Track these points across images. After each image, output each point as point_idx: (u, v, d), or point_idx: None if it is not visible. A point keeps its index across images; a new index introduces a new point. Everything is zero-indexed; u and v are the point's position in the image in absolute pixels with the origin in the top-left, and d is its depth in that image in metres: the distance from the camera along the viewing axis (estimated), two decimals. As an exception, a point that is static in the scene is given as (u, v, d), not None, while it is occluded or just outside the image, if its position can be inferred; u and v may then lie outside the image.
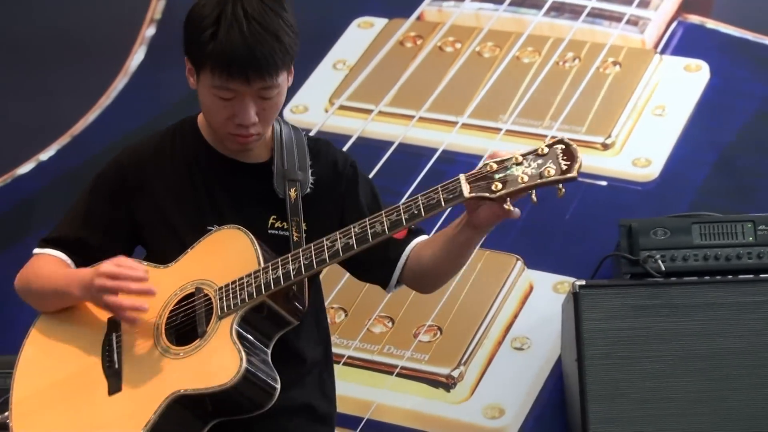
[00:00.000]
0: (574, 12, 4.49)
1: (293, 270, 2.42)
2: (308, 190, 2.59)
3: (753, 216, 3.78)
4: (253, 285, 2.43)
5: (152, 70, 4.50)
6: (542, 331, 4.06)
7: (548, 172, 2.27)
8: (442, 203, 2.32)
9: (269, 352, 2.46)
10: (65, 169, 4.36)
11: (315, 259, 2.41)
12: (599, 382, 3.52)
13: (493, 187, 2.29)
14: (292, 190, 2.57)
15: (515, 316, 4.12)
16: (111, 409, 2.47)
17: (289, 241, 2.54)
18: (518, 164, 2.30)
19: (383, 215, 2.37)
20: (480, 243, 2.51)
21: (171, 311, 2.50)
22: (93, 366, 2.52)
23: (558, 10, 4.51)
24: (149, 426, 2.39)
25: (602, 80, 4.38)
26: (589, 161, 4.22)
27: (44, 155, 4.48)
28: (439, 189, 2.33)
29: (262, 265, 2.44)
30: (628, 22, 4.48)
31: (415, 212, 2.34)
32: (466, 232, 2.45)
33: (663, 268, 3.67)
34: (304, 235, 2.54)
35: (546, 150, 2.30)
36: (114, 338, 2.53)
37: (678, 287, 3.59)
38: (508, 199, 2.30)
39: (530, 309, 4.12)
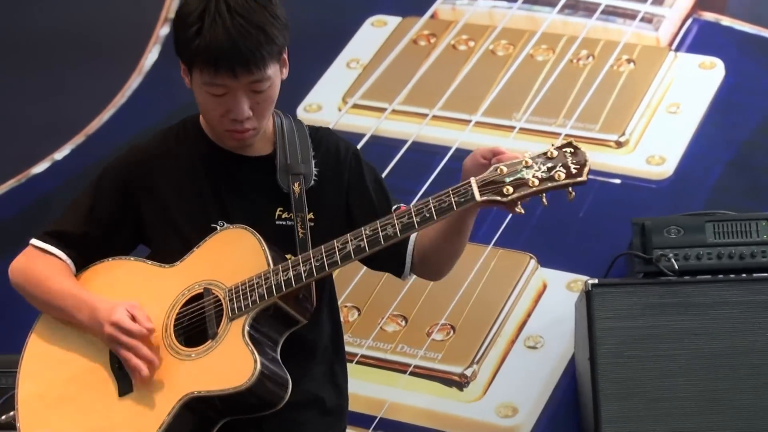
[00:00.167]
0: (588, 9, 4.48)
1: (304, 272, 2.42)
2: (312, 182, 2.60)
3: (767, 214, 3.77)
4: (264, 286, 2.43)
5: (166, 68, 4.50)
6: (556, 329, 4.06)
7: (558, 176, 2.30)
8: (454, 207, 2.34)
9: (278, 350, 2.47)
10: (80, 169, 4.37)
11: (326, 261, 2.41)
12: (612, 381, 3.51)
13: (504, 191, 2.31)
14: (296, 185, 2.57)
15: (528, 315, 4.12)
16: (122, 410, 2.48)
17: (295, 232, 2.54)
18: (528, 167, 2.32)
19: (394, 218, 2.38)
20: (471, 227, 2.54)
21: (179, 312, 2.51)
22: (101, 367, 2.52)
23: (572, 7, 4.50)
24: (163, 428, 2.40)
25: (616, 78, 4.37)
26: (603, 159, 4.23)
27: (59, 154, 4.50)
28: (451, 192, 2.35)
29: (272, 266, 2.45)
30: (642, 19, 4.46)
31: (427, 215, 2.35)
32: (462, 213, 2.45)
33: (676, 267, 3.66)
34: (310, 230, 2.55)
35: (555, 153, 2.33)
36: None
37: (691, 286, 3.58)
38: (519, 201, 2.33)
39: (543, 308, 4.11)
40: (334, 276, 2.67)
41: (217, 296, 2.48)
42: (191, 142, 2.64)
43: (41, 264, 2.61)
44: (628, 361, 3.52)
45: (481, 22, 4.52)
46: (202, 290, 2.50)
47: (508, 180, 2.32)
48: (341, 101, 4.46)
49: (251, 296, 2.43)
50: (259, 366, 2.37)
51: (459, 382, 4.06)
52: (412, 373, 4.09)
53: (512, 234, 4.16)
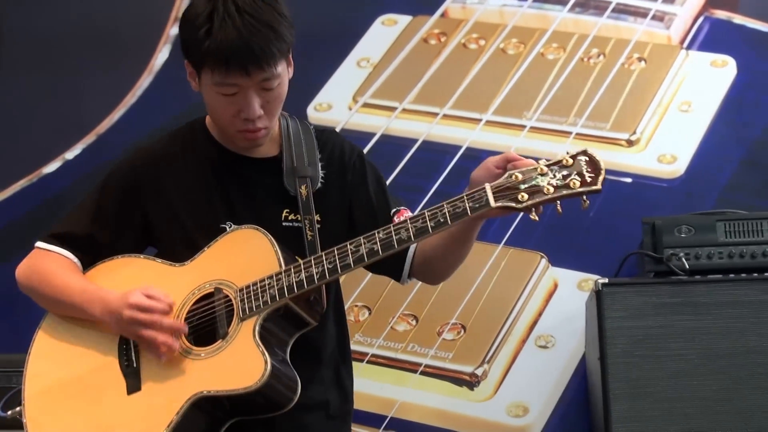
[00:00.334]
0: (599, 8, 4.47)
1: (317, 274, 2.42)
2: (319, 185, 2.60)
3: (779, 213, 3.77)
4: (276, 287, 2.43)
5: (177, 68, 4.43)
6: (567, 329, 4.05)
7: (573, 183, 2.31)
8: (468, 212, 2.34)
9: (288, 351, 2.47)
10: (91, 168, 4.38)
11: (339, 263, 2.41)
12: (622, 381, 3.50)
13: (519, 197, 2.32)
14: (303, 187, 2.57)
15: (539, 314, 4.11)
16: (131, 408, 2.47)
17: (302, 233, 2.54)
18: (543, 175, 2.33)
19: (408, 222, 2.38)
20: (476, 235, 2.53)
21: (189, 311, 2.50)
22: (109, 364, 2.52)
23: (583, 5, 4.49)
24: (172, 426, 2.40)
25: (627, 76, 4.36)
26: (614, 158, 4.22)
27: (70, 154, 4.51)
28: (465, 198, 2.35)
29: (283, 267, 2.44)
30: (653, 17, 4.45)
31: (441, 220, 2.35)
32: (469, 222, 2.45)
33: (687, 266, 3.65)
34: (318, 232, 2.55)
35: (570, 161, 2.33)
36: None
37: (702, 285, 3.57)
38: (533, 209, 2.33)
39: (555, 307, 4.11)
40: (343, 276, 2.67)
41: (227, 296, 2.47)
42: (198, 145, 2.64)
43: (48, 262, 2.61)
44: (639, 360, 3.51)
45: (492, 20, 4.51)
46: (212, 290, 2.50)
47: (523, 187, 2.32)
48: (351, 100, 4.46)
49: (263, 297, 2.43)
50: (269, 367, 2.36)
51: (470, 382, 4.06)
52: (422, 373, 4.09)
53: (523, 233, 4.16)
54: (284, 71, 2.50)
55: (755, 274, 3.64)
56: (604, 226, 4.14)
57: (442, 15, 4.55)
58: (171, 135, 2.68)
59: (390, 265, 2.62)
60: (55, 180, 4.48)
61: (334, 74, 4.48)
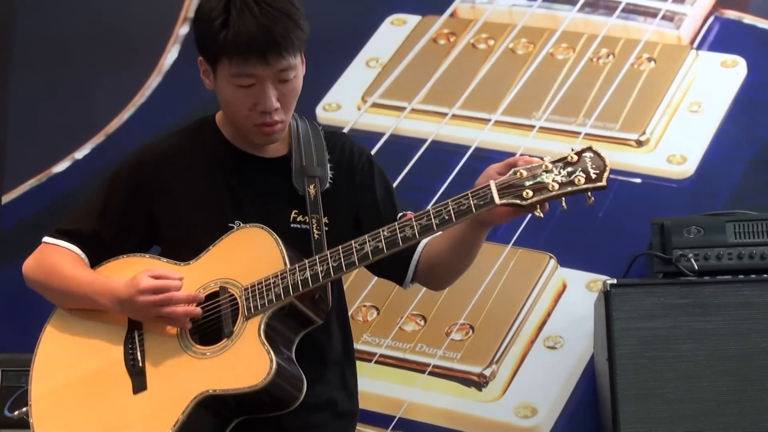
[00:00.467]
0: (609, 8, 4.46)
1: (321, 272, 2.42)
2: (327, 185, 2.60)
3: (789, 214, 3.76)
4: (281, 286, 2.43)
5: (186, 68, 4.51)
6: (575, 329, 4.04)
7: (578, 180, 2.30)
8: (473, 209, 2.33)
9: (293, 350, 2.47)
10: (100, 168, 4.36)
11: (344, 261, 2.41)
12: (630, 382, 3.49)
13: (524, 194, 2.31)
14: (311, 187, 2.57)
15: (548, 315, 4.10)
16: (136, 408, 2.47)
17: (309, 235, 2.54)
18: (548, 171, 2.32)
19: (413, 219, 2.37)
20: (482, 242, 2.52)
21: None
22: (115, 364, 2.52)
23: (592, 6, 4.48)
24: (177, 426, 2.40)
25: (637, 76, 4.35)
26: (623, 158, 4.21)
27: (79, 154, 4.52)
28: (470, 195, 2.34)
29: (288, 265, 2.44)
30: (663, 17, 4.44)
31: (446, 217, 2.35)
32: (475, 229, 2.46)
33: (696, 267, 3.64)
34: (325, 232, 2.55)
35: (575, 158, 2.33)
36: (136, 336, 2.53)
37: (711, 286, 3.55)
38: (538, 205, 2.33)
39: (563, 307, 4.10)
40: (352, 275, 2.67)
41: (232, 295, 2.47)
42: (207, 142, 2.63)
43: (55, 256, 2.60)
44: (647, 361, 3.50)
45: (501, 20, 4.51)
46: (217, 288, 2.49)
47: (527, 183, 2.32)
48: (360, 100, 4.46)
49: (267, 295, 2.43)
50: (275, 365, 2.36)
51: (478, 382, 4.05)
52: (430, 373, 4.08)
53: (532, 234, 4.15)
54: (299, 65, 2.50)
55: (765, 275, 3.62)
56: (613, 226, 4.13)
57: (452, 15, 4.54)
58: (179, 132, 2.68)
59: (393, 269, 2.62)
60: (65, 180, 4.49)
61: (343, 74, 4.49)
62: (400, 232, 2.38)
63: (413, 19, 4.56)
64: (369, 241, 2.40)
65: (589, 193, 2.31)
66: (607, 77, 4.35)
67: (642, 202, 4.15)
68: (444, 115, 4.39)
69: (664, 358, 3.49)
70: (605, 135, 4.24)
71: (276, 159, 2.62)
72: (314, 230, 2.54)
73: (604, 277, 3.83)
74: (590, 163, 2.31)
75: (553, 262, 4.15)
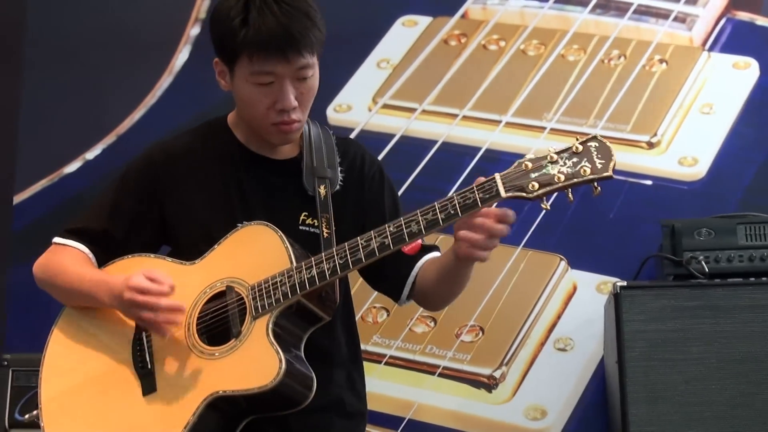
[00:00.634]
0: (620, 9, 4.45)
1: (328, 270, 2.41)
2: (338, 187, 2.60)
3: (800, 216, 3.74)
4: (287, 284, 2.42)
5: (197, 69, 4.52)
6: (586, 331, 4.03)
7: (584, 171, 2.28)
8: (479, 203, 2.32)
9: (302, 348, 2.47)
10: (111, 168, 4.34)
11: (350, 258, 2.40)
12: (640, 384, 3.48)
13: (529, 187, 2.29)
14: (322, 187, 2.57)
15: (558, 317, 4.09)
16: (146, 410, 2.47)
17: (318, 238, 2.54)
18: (553, 163, 2.30)
19: (419, 215, 2.36)
20: (469, 274, 2.50)
21: (201, 310, 2.50)
22: (124, 365, 2.52)
23: (604, 7, 4.47)
24: (189, 427, 2.40)
25: (648, 78, 4.34)
26: (634, 160, 4.20)
27: (90, 154, 4.53)
28: (475, 189, 2.33)
29: (294, 263, 2.44)
30: (675, 19, 4.43)
31: (452, 212, 2.34)
32: (453, 261, 2.45)
33: (706, 270, 3.63)
34: (335, 233, 2.54)
35: (580, 148, 2.30)
36: (144, 337, 2.52)
37: (721, 289, 3.54)
38: (545, 198, 2.30)
39: (574, 309, 4.09)
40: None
41: (239, 294, 2.47)
42: (218, 143, 2.63)
43: (62, 256, 2.61)
44: (657, 364, 3.49)
45: (512, 21, 4.50)
46: (224, 288, 2.49)
47: (533, 176, 2.30)
48: (371, 101, 4.45)
49: (275, 294, 2.43)
50: (284, 365, 2.36)
51: (488, 384, 4.05)
52: (440, 375, 4.08)
53: (542, 235, 4.14)
54: (316, 65, 2.51)
55: (776, 278, 3.61)
56: (623, 228, 4.12)
57: (463, 16, 4.54)
58: (191, 132, 2.68)
59: (390, 285, 2.63)
60: (76, 180, 4.49)
61: (353, 75, 4.48)
62: (406, 228, 2.36)
63: (424, 20, 4.55)
64: (375, 237, 2.39)
65: (596, 184, 2.28)
66: (618, 79, 4.34)
67: (653, 204, 4.13)
68: (455, 116, 4.39)
69: (674, 361, 3.48)
70: (616, 137, 4.22)
71: (287, 161, 2.62)
72: (324, 229, 2.54)
73: (614, 279, 3.81)
74: (596, 153, 2.29)
75: (563, 263, 4.14)
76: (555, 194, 2.31)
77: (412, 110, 4.42)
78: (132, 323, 2.54)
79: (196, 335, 2.48)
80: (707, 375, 3.47)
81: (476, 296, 4.09)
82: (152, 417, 2.46)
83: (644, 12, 4.45)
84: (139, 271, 2.47)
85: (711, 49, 4.38)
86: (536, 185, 2.29)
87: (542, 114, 4.33)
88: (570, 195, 2.30)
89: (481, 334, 4.10)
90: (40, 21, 4.65)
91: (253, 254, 2.49)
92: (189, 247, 2.58)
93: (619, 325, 3.52)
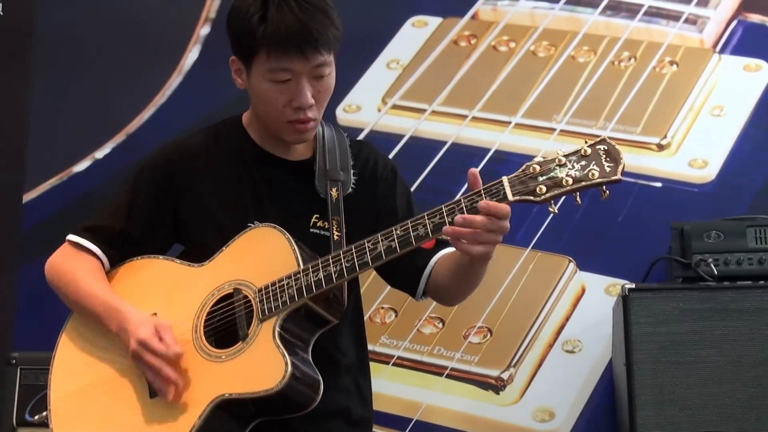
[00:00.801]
0: (631, 11, 4.44)
1: (335, 273, 2.40)
2: (350, 190, 2.59)
3: (810, 219, 3.73)
4: (294, 287, 2.41)
5: (206, 68, 4.53)
6: (594, 333, 4.02)
7: (592, 174, 2.25)
8: None
9: (310, 351, 2.46)
10: (120, 167, 4.38)
11: (357, 261, 2.39)
12: (648, 387, 3.46)
13: (537, 190, 2.28)
14: (334, 190, 2.57)
15: (567, 319, 4.08)
16: (153, 412, 2.46)
17: (329, 241, 2.53)
18: (561, 166, 2.28)
19: (426, 218, 2.35)
20: (483, 270, 2.47)
21: (209, 313, 2.49)
22: (132, 368, 2.51)
23: (614, 8, 4.46)
24: (194, 430, 2.39)
25: (659, 80, 4.32)
26: (644, 162, 4.19)
27: (100, 153, 4.53)
28: (482, 192, 2.31)
29: (301, 266, 2.43)
30: (686, 20, 4.41)
31: (459, 215, 2.32)
32: (466, 260, 2.42)
33: (715, 272, 3.62)
34: (345, 235, 2.53)
35: (588, 151, 2.28)
36: None
37: (730, 291, 3.52)
38: (552, 201, 2.29)
39: (582, 311, 4.08)
40: (370, 278, 2.66)
41: (247, 297, 2.46)
42: (232, 142, 2.63)
43: (75, 263, 2.60)
44: (666, 366, 3.47)
45: (523, 22, 4.49)
46: (231, 290, 2.49)
47: (541, 179, 2.28)
48: (381, 102, 4.45)
49: (281, 297, 2.42)
50: (290, 369, 2.35)
51: (495, 386, 4.04)
52: (448, 376, 4.07)
53: (551, 237, 4.13)
54: (333, 63, 2.51)
55: (785, 281, 3.60)
56: (632, 230, 4.11)
57: (473, 17, 4.53)
58: (205, 130, 2.68)
59: (406, 281, 2.61)
60: (85, 179, 4.50)
61: (363, 76, 4.48)
62: (413, 231, 2.35)
63: (434, 21, 4.54)
64: (382, 240, 2.38)
65: (604, 187, 2.26)
66: (628, 80, 4.33)
67: (662, 207, 4.12)
68: (464, 117, 4.38)
69: (683, 364, 3.47)
70: (626, 138, 4.22)
71: (300, 162, 2.61)
72: (334, 232, 2.53)
73: (623, 282, 3.81)
74: (604, 156, 2.26)
75: (572, 265, 4.13)
76: (563, 198, 2.29)
77: (421, 111, 4.41)
78: None
79: (204, 337, 2.48)
80: (716, 378, 3.45)
81: (484, 297, 4.09)
82: (159, 419, 2.45)
83: (655, 13, 4.44)
84: (152, 323, 2.47)
85: (722, 51, 4.36)
86: (544, 188, 2.27)
87: (552, 115, 4.33)
88: (578, 199, 2.29)
89: (489, 335, 4.09)
90: (50, 21, 4.66)
91: (261, 257, 2.48)
92: (201, 246, 2.58)
93: (628, 327, 3.51)
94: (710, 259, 3.64)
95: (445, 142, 4.35)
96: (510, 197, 2.28)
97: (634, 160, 4.14)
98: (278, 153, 2.61)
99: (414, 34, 4.53)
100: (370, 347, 2.71)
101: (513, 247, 4.11)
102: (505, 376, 4.04)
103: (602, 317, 3.94)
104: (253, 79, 2.50)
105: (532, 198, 2.28)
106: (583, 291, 4.11)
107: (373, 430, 2.67)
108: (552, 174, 2.27)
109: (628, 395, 3.47)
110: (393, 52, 4.51)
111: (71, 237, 2.62)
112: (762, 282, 3.59)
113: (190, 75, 4.56)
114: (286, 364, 2.35)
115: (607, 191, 2.27)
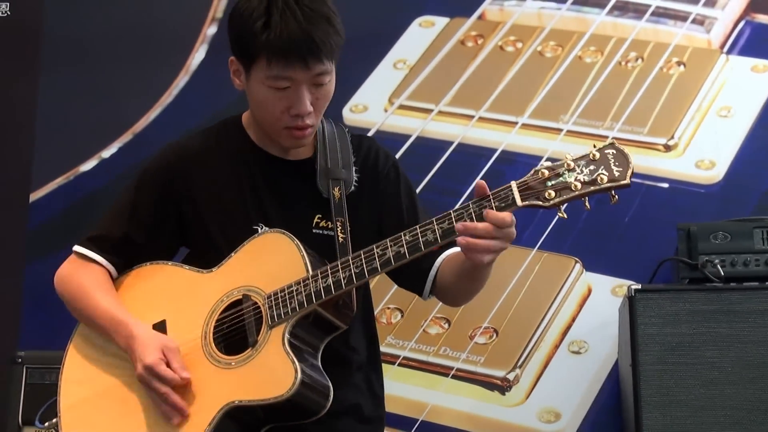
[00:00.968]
0: (638, 11, 4.43)
1: (344, 279, 2.40)
2: (353, 188, 2.58)
3: (817, 221, 3.71)
4: (303, 293, 2.41)
5: (213, 68, 4.53)
6: (600, 334, 4.02)
7: (601, 179, 2.26)
8: (495, 211, 2.30)
9: (319, 357, 2.45)
10: (127, 166, 4.40)
11: (366, 267, 2.39)
12: (654, 388, 3.45)
13: (546, 195, 2.28)
14: (336, 189, 2.56)
15: (573, 320, 4.08)
16: (163, 420, 2.46)
17: (333, 241, 2.52)
18: (570, 170, 2.28)
19: (435, 223, 2.35)
20: (487, 273, 2.48)
21: (218, 319, 2.49)
22: None
23: (621, 9, 4.45)
24: None
25: (666, 81, 4.31)
26: (651, 163, 4.18)
27: (106, 152, 4.53)
28: (491, 197, 2.31)
29: (311, 272, 2.42)
30: (693, 21, 4.40)
31: (467, 220, 2.32)
32: (470, 263, 2.41)
33: (722, 273, 3.61)
34: (350, 236, 2.53)
35: (597, 155, 2.28)
36: None
37: (737, 293, 3.51)
38: (561, 206, 2.29)
39: (588, 312, 4.07)
40: (375, 278, 2.65)
41: (256, 303, 2.46)
42: (232, 143, 2.63)
43: (82, 275, 2.60)
44: (672, 368, 3.46)
45: (530, 23, 4.48)
46: (240, 296, 2.48)
47: (550, 184, 2.28)
48: (387, 102, 4.45)
49: (291, 303, 2.41)
50: (299, 375, 2.35)
51: (501, 386, 4.03)
52: (454, 376, 4.07)
53: (557, 238, 4.13)
54: (333, 70, 2.50)
55: (792, 283, 3.59)
56: (639, 231, 4.10)
57: (480, 17, 4.52)
58: (205, 132, 2.67)
59: (413, 281, 2.61)
60: (92, 178, 4.50)
61: (370, 76, 4.47)
62: (422, 237, 2.35)
63: (441, 21, 4.54)
64: (390, 246, 2.37)
65: (613, 192, 2.26)
66: (635, 81, 4.32)
67: (669, 207, 4.11)
68: (471, 117, 4.37)
69: (689, 365, 3.45)
70: (633, 139, 4.21)
71: (301, 161, 2.61)
72: (339, 234, 2.53)
73: (629, 282, 3.79)
74: (613, 161, 2.26)
75: (578, 266, 4.12)
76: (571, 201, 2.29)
77: (428, 111, 4.41)
78: None
79: (213, 344, 2.47)
80: (722, 379, 3.44)
81: (490, 298, 4.08)
82: (169, 427, 2.45)
83: (662, 14, 4.42)
84: (160, 346, 2.46)
85: (729, 51, 4.35)
86: (552, 193, 2.27)
87: (559, 116, 4.32)
88: (587, 203, 2.29)
89: (495, 336, 4.09)
90: (57, 20, 4.66)
91: (270, 262, 2.48)
92: (205, 247, 2.58)
93: (634, 328, 3.49)
94: (717, 260, 3.63)
95: (451, 143, 4.34)
96: (519, 203, 2.29)
97: (641, 161, 4.13)
98: (278, 153, 2.60)
99: (421, 34, 4.52)
100: (375, 347, 2.71)
101: (519, 248, 4.10)
102: (510, 376, 4.03)
103: (608, 318, 3.93)
104: (252, 83, 2.49)
105: (540, 203, 2.28)
106: (590, 292, 4.10)
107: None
108: (560, 179, 2.28)
109: (634, 396, 3.46)
110: (400, 52, 4.51)
111: (77, 248, 2.62)
112: (769, 283, 3.58)
113: (196, 75, 4.56)
114: (296, 370, 2.35)
115: (616, 196, 2.27)
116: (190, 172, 2.60)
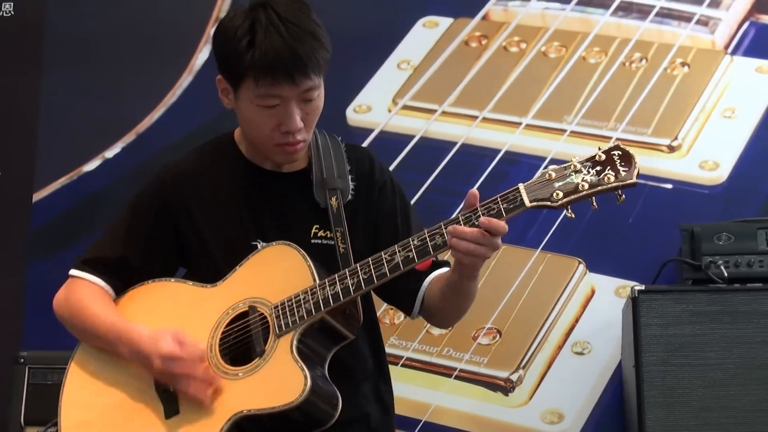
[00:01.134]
0: (642, 12, 4.43)
1: (352, 285, 2.40)
2: (349, 197, 2.58)
3: (821, 222, 3.71)
4: (311, 302, 2.41)
5: (217, 68, 4.51)
6: (604, 335, 4.01)
7: (608, 179, 2.29)
8: (503, 213, 2.32)
9: (326, 367, 2.45)
10: (130, 167, 4.40)
11: (374, 273, 2.39)
12: (657, 389, 3.45)
13: (553, 196, 2.30)
14: (333, 199, 2.55)
15: (576, 321, 4.08)
16: None
17: (333, 250, 2.52)
18: (577, 171, 2.31)
19: (443, 227, 2.35)
20: (473, 290, 2.49)
21: (224, 332, 2.48)
22: (145, 390, 2.49)
23: (626, 9, 4.44)
24: None
25: (670, 81, 4.31)
26: (655, 164, 4.17)
27: (110, 152, 4.53)
28: (499, 199, 2.33)
29: (317, 281, 2.42)
30: (698, 22, 4.40)
31: (476, 223, 2.32)
32: (455, 273, 2.43)
33: (726, 274, 3.60)
34: (350, 246, 2.53)
35: (603, 156, 2.32)
36: None
37: (740, 294, 3.51)
38: (569, 206, 2.32)
39: (592, 313, 4.07)
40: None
41: (262, 314, 2.45)
42: (225, 160, 2.62)
43: (81, 293, 2.58)
44: (675, 369, 3.46)
45: (534, 23, 4.48)
46: (247, 308, 2.47)
47: (557, 185, 2.31)
48: (391, 102, 4.44)
49: (298, 312, 2.41)
50: (309, 381, 2.34)
51: (504, 387, 4.03)
52: (457, 377, 4.07)
53: (561, 238, 4.12)
54: (322, 84, 2.48)
55: (796, 284, 3.58)
56: (642, 232, 4.10)
57: (484, 18, 4.52)
58: (197, 150, 2.66)
59: (403, 299, 2.60)
60: (95, 178, 4.50)
61: (374, 76, 4.47)
62: (430, 241, 2.36)
63: (445, 22, 4.53)
64: (399, 251, 2.38)
65: (620, 191, 2.31)
66: (639, 82, 4.32)
67: (672, 208, 4.11)
68: (475, 118, 4.37)
69: (692, 366, 3.45)
70: (637, 140, 4.21)
71: (296, 173, 2.60)
72: (339, 244, 2.53)
73: (632, 283, 3.80)
74: (619, 161, 2.30)
75: (582, 267, 4.12)
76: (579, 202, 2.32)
77: (432, 111, 4.41)
78: None
79: (219, 356, 2.46)
80: (725, 380, 3.44)
81: (494, 299, 4.08)
82: None
83: (666, 15, 4.42)
84: (167, 333, 2.44)
85: (734, 52, 4.35)
86: (560, 194, 2.30)
87: (562, 116, 4.32)
88: (594, 203, 2.32)
89: (498, 336, 4.08)
90: (61, 20, 4.66)
91: (276, 274, 2.47)
92: (204, 266, 2.57)
93: (637, 329, 3.49)
94: (720, 261, 3.63)
95: (455, 143, 4.34)
96: (527, 204, 2.31)
97: (644, 162, 4.07)
98: (272, 167, 2.60)
99: (425, 34, 4.52)
100: (378, 348, 2.71)
101: (523, 249, 4.10)
102: (514, 377, 4.03)
103: (612, 319, 3.92)
104: (241, 101, 2.48)
105: (549, 204, 2.31)
106: (593, 292, 4.09)
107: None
108: (567, 180, 2.31)
109: (637, 397, 3.46)
110: (404, 52, 4.50)
111: (74, 272, 2.60)
112: (773, 284, 3.58)
113: (200, 75, 4.55)
114: (306, 377, 2.35)
115: (623, 195, 2.31)
116: (185, 192, 2.59)
